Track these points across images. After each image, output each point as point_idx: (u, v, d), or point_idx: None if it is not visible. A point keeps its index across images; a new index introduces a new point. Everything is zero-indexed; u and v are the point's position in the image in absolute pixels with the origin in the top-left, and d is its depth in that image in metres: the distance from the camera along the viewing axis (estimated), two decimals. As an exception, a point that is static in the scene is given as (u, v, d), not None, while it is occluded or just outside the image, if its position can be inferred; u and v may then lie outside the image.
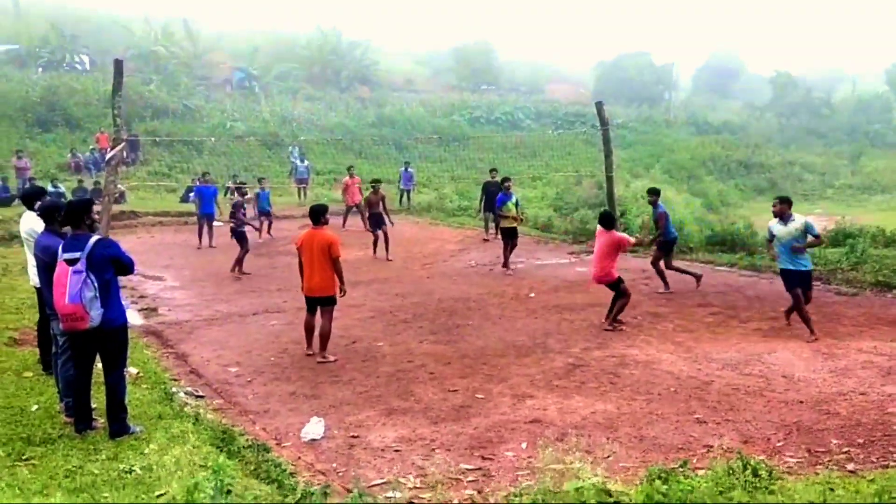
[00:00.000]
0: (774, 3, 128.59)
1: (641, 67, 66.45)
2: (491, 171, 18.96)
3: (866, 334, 8.71)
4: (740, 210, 31.70)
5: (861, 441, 5.55)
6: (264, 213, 18.65)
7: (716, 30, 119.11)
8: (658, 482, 4.14)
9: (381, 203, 15.50)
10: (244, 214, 15.06)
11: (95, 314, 5.29)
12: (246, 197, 17.80)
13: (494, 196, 17.57)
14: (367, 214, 16.09)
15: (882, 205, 34.62)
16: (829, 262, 13.47)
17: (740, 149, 45.99)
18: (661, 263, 11.79)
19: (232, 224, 14.53)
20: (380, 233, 15.28)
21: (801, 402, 6.44)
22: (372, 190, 15.78)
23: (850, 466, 5.05)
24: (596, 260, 9.69)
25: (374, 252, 15.46)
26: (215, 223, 17.44)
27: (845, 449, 5.38)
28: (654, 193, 12.09)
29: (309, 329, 8.40)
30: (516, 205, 14.47)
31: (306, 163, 26.93)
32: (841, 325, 9.22)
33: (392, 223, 15.86)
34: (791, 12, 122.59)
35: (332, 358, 8.13)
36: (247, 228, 14.78)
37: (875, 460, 5.17)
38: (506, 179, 15.01)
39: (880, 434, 5.66)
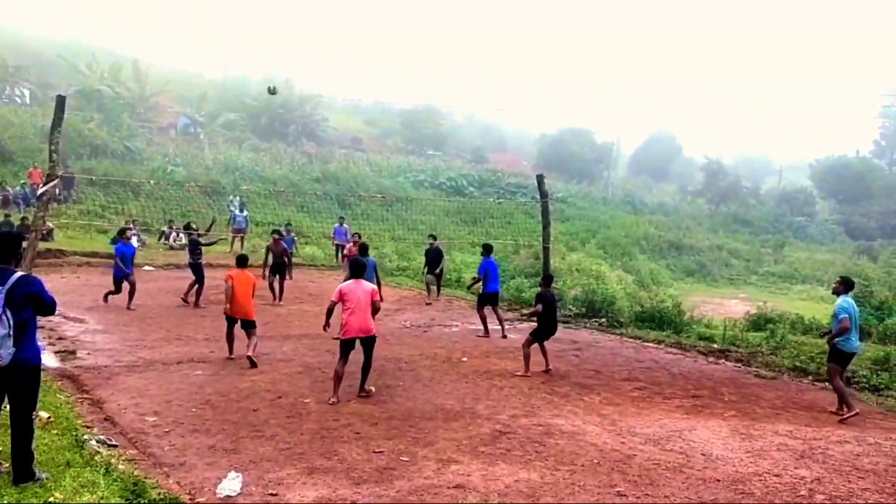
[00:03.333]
0: (714, 92, 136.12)
1: (583, 144, 68.77)
2: (429, 236, 19.20)
3: (782, 417, 8.99)
4: (670, 289, 32.61)
5: (773, 521, 5.68)
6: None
7: (656, 111, 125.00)
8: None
9: (283, 254, 16.42)
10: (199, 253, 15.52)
11: (5, 353, 5.07)
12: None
13: (436, 261, 17.74)
14: (271, 263, 16.20)
15: (802, 294, 36.12)
16: (750, 344, 13.98)
17: (672, 230, 47.63)
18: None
19: (189, 259, 15.52)
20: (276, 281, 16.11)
21: (718, 480, 6.57)
22: (272, 240, 16.58)
23: (762, 545, 5.15)
24: None
25: (276, 299, 16.00)
26: (146, 268, 17.05)
27: (758, 528, 5.49)
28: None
29: (231, 340, 10.71)
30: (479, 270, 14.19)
31: (245, 213, 26.72)
32: (759, 406, 9.50)
33: (291, 277, 17.20)
34: (728, 102, 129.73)
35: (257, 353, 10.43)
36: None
37: (785, 540, 5.30)
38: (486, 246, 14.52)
39: (791, 515, 5.81)
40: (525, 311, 13.27)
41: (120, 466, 5.89)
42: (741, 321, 17.70)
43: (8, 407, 5.40)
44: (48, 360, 9.20)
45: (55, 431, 6.56)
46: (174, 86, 49.45)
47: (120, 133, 38.55)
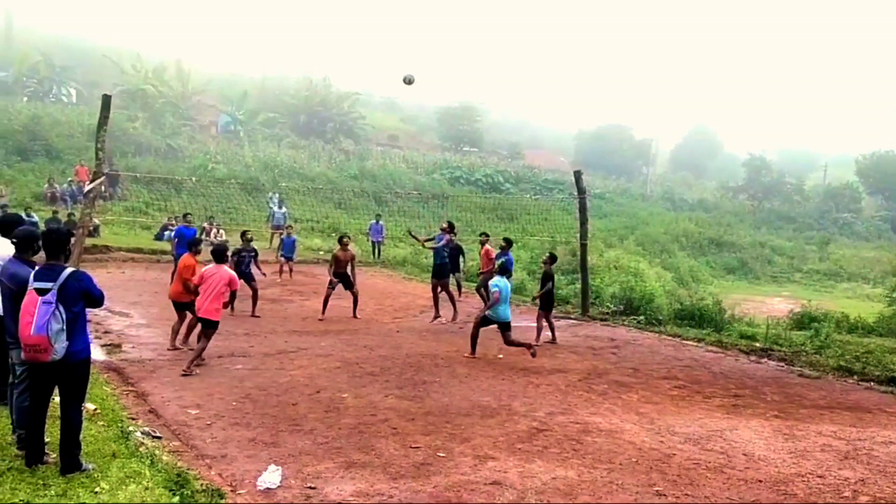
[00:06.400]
0: (756, 86, 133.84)
1: (621, 140, 68.17)
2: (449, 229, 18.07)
3: (826, 418, 8.82)
4: (710, 287, 32.17)
5: (816, 523, 5.58)
6: (287, 258, 19.41)
7: (696, 106, 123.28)
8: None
9: (350, 263, 14.26)
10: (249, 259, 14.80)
11: (60, 347, 5.19)
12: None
13: (456, 259, 16.08)
14: (333, 272, 14.34)
15: (848, 292, 35.34)
16: (793, 344, 13.72)
17: (713, 227, 46.94)
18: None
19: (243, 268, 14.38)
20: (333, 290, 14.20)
21: (760, 480, 6.47)
22: (340, 246, 14.44)
23: (804, 548, 5.06)
24: None
25: (323, 313, 14.16)
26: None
27: (800, 530, 5.40)
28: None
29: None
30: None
31: (284, 209, 27.03)
32: (802, 406, 9.33)
33: (356, 291, 14.55)
34: (771, 96, 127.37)
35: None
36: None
37: (829, 543, 5.20)
38: (507, 240, 15.15)
39: (835, 517, 5.70)
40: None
41: (164, 458, 6.02)
42: (784, 320, 17.37)
43: (58, 398, 5.56)
44: (95, 353, 9.42)
45: (102, 423, 6.73)
46: (215, 85, 50.20)
47: (163, 131, 39.31)
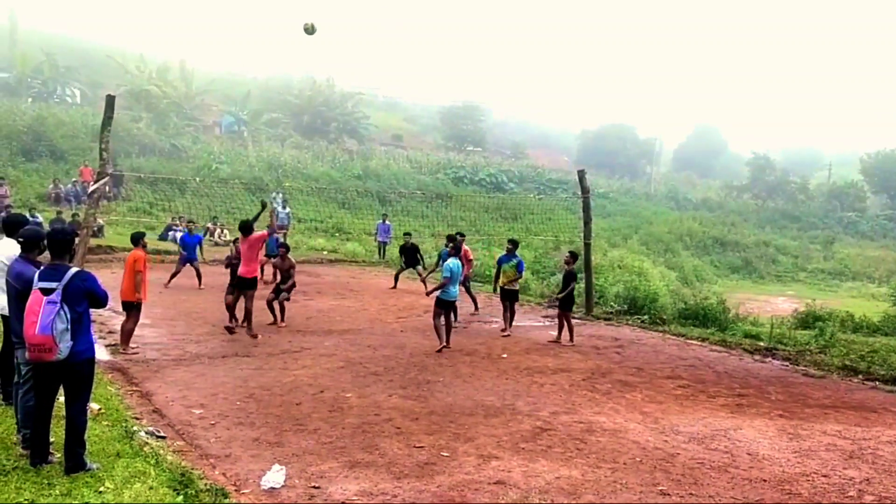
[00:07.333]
0: (760, 85, 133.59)
1: (625, 140, 68.14)
2: (405, 234, 19.85)
3: (831, 417, 8.79)
4: (714, 286, 32.15)
5: (821, 523, 5.57)
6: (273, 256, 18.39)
7: (700, 105, 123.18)
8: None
9: (289, 271, 13.27)
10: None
11: (64, 346, 5.20)
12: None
13: (412, 257, 18.47)
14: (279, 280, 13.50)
15: (852, 291, 35.30)
16: (798, 343, 13.68)
17: (717, 226, 46.91)
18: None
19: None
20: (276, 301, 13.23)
21: (765, 480, 6.46)
22: (279, 255, 13.67)
23: (809, 547, 5.05)
24: None
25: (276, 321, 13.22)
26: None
27: (805, 529, 5.38)
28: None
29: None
30: (517, 268, 13.66)
31: (287, 209, 27.08)
32: (807, 406, 9.30)
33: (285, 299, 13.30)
34: (775, 94, 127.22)
35: None
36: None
37: (833, 543, 5.18)
38: (512, 242, 14.14)
39: (840, 517, 5.68)
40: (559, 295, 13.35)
41: (168, 457, 6.03)
42: (789, 319, 17.34)
43: (62, 398, 5.57)
44: (99, 352, 9.44)
45: (106, 423, 6.74)
46: (219, 85, 50.25)
47: (167, 132, 39.38)
